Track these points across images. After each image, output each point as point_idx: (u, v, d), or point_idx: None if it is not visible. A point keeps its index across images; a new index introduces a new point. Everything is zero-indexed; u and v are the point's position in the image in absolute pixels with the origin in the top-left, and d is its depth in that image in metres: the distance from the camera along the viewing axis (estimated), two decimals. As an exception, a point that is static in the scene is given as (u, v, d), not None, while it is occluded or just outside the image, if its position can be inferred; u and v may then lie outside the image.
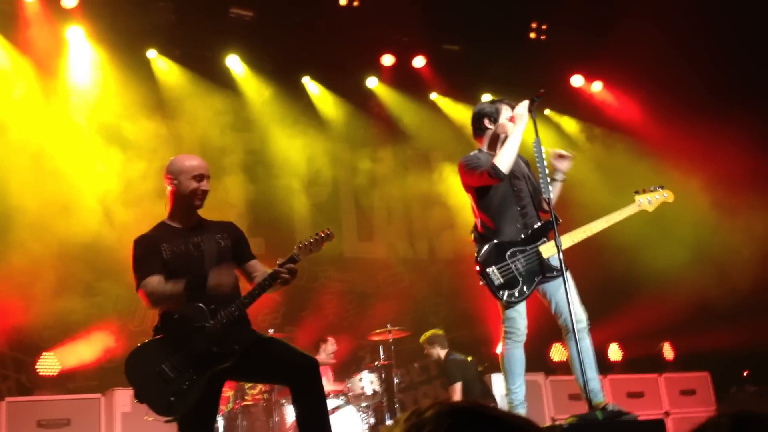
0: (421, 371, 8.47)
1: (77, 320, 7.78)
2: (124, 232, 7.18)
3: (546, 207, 4.71)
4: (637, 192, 4.94)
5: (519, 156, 4.85)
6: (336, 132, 10.12)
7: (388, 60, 10.16)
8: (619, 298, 9.16)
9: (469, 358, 7.80)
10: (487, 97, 9.37)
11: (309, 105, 10.05)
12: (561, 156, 4.85)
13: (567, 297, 4.47)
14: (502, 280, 4.64)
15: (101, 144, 8.35)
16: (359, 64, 10.12)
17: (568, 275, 4.58)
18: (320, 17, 9.23)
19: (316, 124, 9.95)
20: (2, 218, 7.64)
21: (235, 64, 9.54)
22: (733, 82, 9.41)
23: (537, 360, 7.74)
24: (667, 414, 8.17)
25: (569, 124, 11.24)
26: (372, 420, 7.10)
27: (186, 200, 4.08)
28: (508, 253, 4.69)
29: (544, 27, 10.17)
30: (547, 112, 11.03)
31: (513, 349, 4.72)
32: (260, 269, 4.18)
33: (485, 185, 4.76)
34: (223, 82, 9.39)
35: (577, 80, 10.98)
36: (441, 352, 7.71)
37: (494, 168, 4.61)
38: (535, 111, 4.77)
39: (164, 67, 9.13)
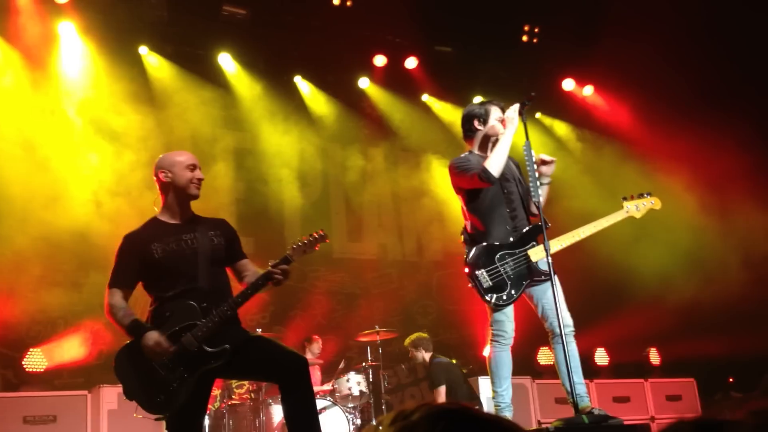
0: (408, 373, 8.47)
1: (65, 316, 7.75)
2: (113, 224, 7.19)
3: (535, 210, 4.72)
4: (625, 198, 4.96)
5: (510, 158, 4.86)
6: (327, 132, 10.11)
7: (380, 60, 10.17)
8: (606, 304, 9.19)
9: (454, 361, 7.81)
10: (478, 100, 9.39)
11: (300, 104, 10.04)
12: (544, 162, 4.85)
13: (555, 301, 4.48)
14: (490, 283, 4.65)
15: (90, 136, 8.35)
16: (351, 64, 10.12)
17: (555, 280, 4.60)
18: (313, 17, 9.23)
19: (307, 123, 9.95)
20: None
21: (227, 62, 9.52)
22: (721, 87, 9.46)
23: (524, 363, 7.76)
24: (652, 419, 8.20)
25: (560, 128, 11.28)
26: (358, 421, 7.09)
27: (183, 191, 4.05)
28: (498, 255, 4.69)
29: (536, 30, 10.19)
30: (538, 115, 11.07)
31: (500, 352, 4.73)
32: (251, 268, 4.16)
33: (475, 188, 4.77)
34: (214, 80, 9.38)
35: (568, 84, 11.01)
36: (426, 355, 7.71)
37: (485, 172, 4.63)
38: (525, 114, 4.78)
39: (156, 64, 9.11)
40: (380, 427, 1.23)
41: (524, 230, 4.77)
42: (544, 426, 4.59)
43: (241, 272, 4.17)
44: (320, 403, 6.74)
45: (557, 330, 4.51)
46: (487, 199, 4.79)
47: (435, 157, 10.34)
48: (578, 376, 4.61)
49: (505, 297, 4.65)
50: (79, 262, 7.78)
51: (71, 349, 7.70)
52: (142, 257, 3.96)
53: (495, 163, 4.65)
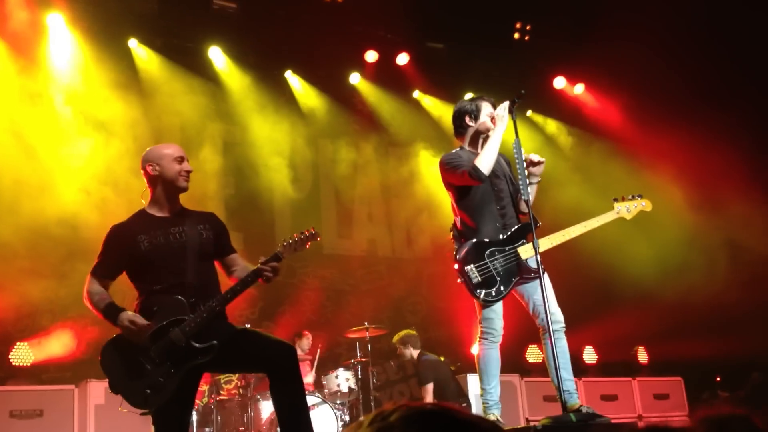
0: (397, 369, 8.47)
1: (52, 309, 7.70)
2: (101, 214, 7.16)
3: (525, 208, 4.72)
4: (616, 200, 4.97)
5: (501, 155, 4.87)
6: (317, 127, 10.09)
7: (371, 56, 10.14)
8: (595, 302, 9.21)
9: (442, 358, 7.81)
10: (469, 96, 9.37)
11: (291, 99, 10.02)
12: (533, 163, 4.85)
13: (544, 298, 4.49)
14: (480, 279, 4.65)
15: (77, 127, 8.29)
16: (342, 59, 10.10)
17: (545, 277, 4.60)
18: (304, 12, 9.19)
19: (297, 118, 9.92)
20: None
21: (217, 56, 9.48)
22: (711, 85, 9.50)
23: (512, 361, 7.77)
24: (640, 417, 8.23)
25: (551, 126, 11.29)
26: (347, 417, 7.09)
27: (171, 184, 4.03)
28: (487, 252, 4.69)
29: (528, 28, 10.19)
30: (529, 113, 11.07)
31: (489, 349, 4.73)
32: (240, 263, 4.15)
33: (466, 184, 4.77)
34: (204, 73, 9.34)
35: (559, 82, 11.02)
36: (414, 353, 7.72)
37: (475, 169, 4.63)
38: (515, 112, 4.78)
39: (145, 57, 9.06)
40: (361, 427, 1.21)
41: (514, 227, 4.77)
42: (532, 424, 4.59)
43: (230, 267, 4.16)
44: (309, 400, 6.72)
45: (547, 327, 4.51)
46: (477, 196, 4.79)
47: (425, 153, 10.33)
48: (568, 373, 4.62)
49: (494, 293, 4.65)
50: (67, 253, 7.72)
51: (58, 343, 7.66)
52: (129, 249, 3.93)
53: (485, 160, 4.65)
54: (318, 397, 6.96)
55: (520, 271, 4.69)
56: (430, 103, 10.75)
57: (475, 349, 8.43)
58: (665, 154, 9.65)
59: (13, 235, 7.45)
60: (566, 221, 4.90)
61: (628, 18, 9.12)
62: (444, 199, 8.86)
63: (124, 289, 4.14)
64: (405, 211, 10.45)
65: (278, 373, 3.89)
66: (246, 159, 9.45)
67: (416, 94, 10.76)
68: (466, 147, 4.96)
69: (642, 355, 9.61)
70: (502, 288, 4.66)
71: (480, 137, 4.89)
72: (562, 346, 4.64)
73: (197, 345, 3.82)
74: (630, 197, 4.97)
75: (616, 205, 4.94)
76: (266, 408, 6.83)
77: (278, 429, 3.96)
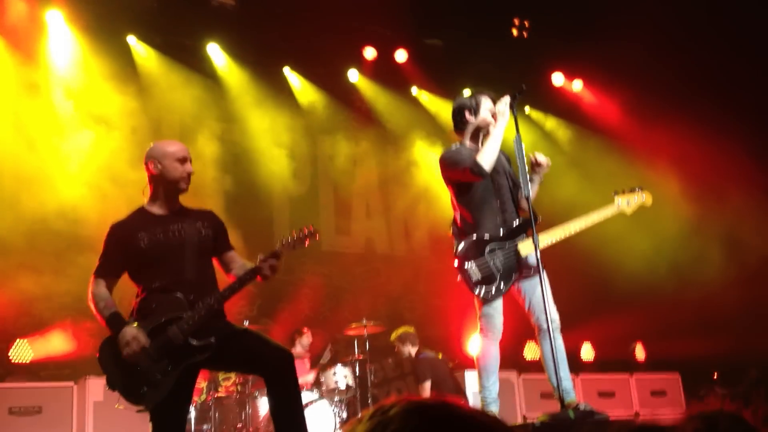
0: (394, 367, 8.47)
1: (52, 307, 7.69)
2: (101, 207, 7.16)
3: (525, 204, 4.71)
4: (616, 193, 4.94)
5: (501, 152, 4.83)
6: (316, 124, 10.09)
7: (369, 53, 10.13)
8: (593, 299, 9.22)
9: (440, 356, 7.81)
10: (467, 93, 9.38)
11: (289, 96, 10.00)
12: (538, 164, 4.83)
13: (543, 296, 4.48)
14: (479, 276, 4.64)
15: (76, 120, 8.27)
16: (341, 56, 10.08)
17: (544, 274, 4.59)
18: (302, 8, 9.17)
19: (295, 114, 9.91)
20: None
21: (215, 52, 9.47)
22: (710, 81, 9.49)
23: (510, 358, 7.78)
24: (637, 414, 8.24)
25: (549, 122, 11.28)
26: (345, 414, 7.09)
27: (171, 184, 4.02)
28: (487, 249, 4.68)
29: (526, 24, 10.18)
30: (527, 109, 11.07)
31: (488, 346, 4.72)
32: (239, 261, 4.15)
33: (466, 181, 4.76)
34: (202, 70, 9.32)
35: (557, 78, 11.01)
36: (412, 350, 7.71)
37: (477, 165, 4.60)
38: (516, 107, 4.76)
39: (144, 53, 9.05)
40: (361, 422, 1.22)
41: (514, 224, 4.75)
42: (529, 421, 4.59)
43: (229, 264, 4.16)
44: (307, 396, 6.73)
45: (544, 325, 4.50)
46: (477, 192, 4.77)
47: (424, 149, 10.33)
48: (565, 371, 4.61)
49: (494, 290, 4.64)
50: (66, 247, 7.71)
51: (57, 340, 7.66)
52: (128, 247, 3.93)
53: (487, 156, 4.63)
54: (316, 393, 6.96)
55: (519, 268, 4.68)
56: (429, 99, 10.74)
57: (472, 346, 8.45)
58: (664, 149, 9.65)
59: (10, 230, 7.44)
60: (563, 218, 4.88)
61: (626, 13, 9.12)
62: (442, 195, 8.88)
63: (121, 287, 4.13)
64: (403, 208, 10.44)
65: (275, 379, 3.90)
66: (244, 155, 9.45)
67: (414, 90, 10.75)
68: (466, 142, 4.93)
69: (639, 352, 9.62)
70: (502, 285, 4.65)
71: (480, 133, 4.87)
72: (558, 344, 4.63)
73: (195, 342, 3.82)
74: (630, 190, 4.95)
75: (616, 198, 4.91)
76: (264, 405, 6.83)
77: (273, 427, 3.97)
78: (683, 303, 9.41)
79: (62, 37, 8.47)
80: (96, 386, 6.59)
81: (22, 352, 7.43)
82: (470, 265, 4.65)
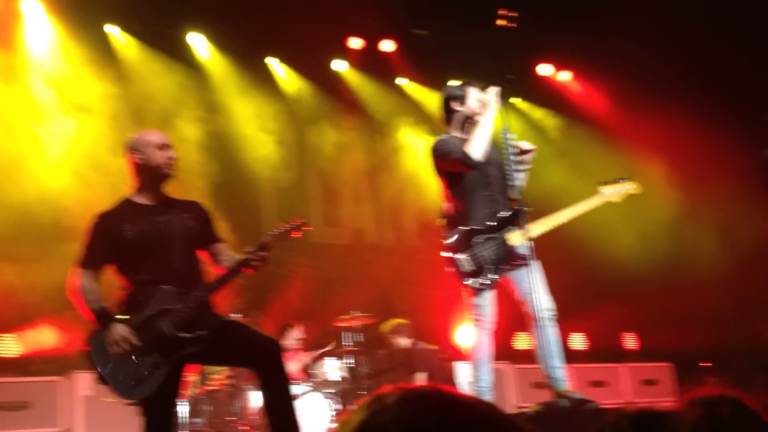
0: (386, 358, 8.46)
1: (36, 300, 7.60)
2: (83, 194, 7.08)
3: (515, 195, 4.70)
4: (602, 183, 4.96)
5: (490, 142, 4.83)
6: (302, 115, 10.02)
7: (356, 43, 10.08)
8: (585, 288, 9.22)
9: (434, 347, 7.80)
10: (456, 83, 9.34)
11: (274, 86, 9.92)
12: (524, 151, 4.83)
13: (533, 286, 4.47)
14: (470, 267, 4.63)
15: (56, 108, 8.18)
16: (327, 46, 10.00)
17: (536, 264, 4.59)
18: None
19: (281, 106, 9.84)
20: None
21: (199, 42, 9.38)
22: (699, 73, 9.49)
23: (502, 348, 7.76)
24: (628, 403, 8.26)
25: (537, 113, 11.27)
26: (338, 406, 7.07)
27: (156, 172, 3.96)
28: (478, 239, 4.67)
29: (514, 15, 10.14)
30: (515, 100, 11.05)
31: (481, 336, 4.71)
32: (228, 253, 4.10)
33: (457, 171, 4.73)
34: (186, 59, 9.23)
35: (545, 69, 11.00)
36: (405, 342, 7.70)
37: (467, 156, 4.61)
38: (504, 97, 4.75)
39: (125, 43, 8.95)
40: (357, 411, 1.20)
41: (504, 214, 4.75)
42: (522, 411, 4.60)
43: (217, 256, 4.10)
44: (298, 389, 6.71)
45: (537, 314, 4.50)
46: (467, 183, 4.77)
47: (412, 140, 10.29)
48: (558, 360, 4.61)
49: (485, 281, 4.63)
50: (49, 236, 7.61)
51: (45, 334, 7.58)
52: (114, 238, 3.87)
53: (476, 146, 4.63)
54: (309, 385, 6.94)
55: (510, 258, 4.67)
56: (416, 89, 10.70)
57: (460, 337, 8.44)
58: (652, 139, 9.66)
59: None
60: (554, 207, 4.88)
61: (615, 4, 9.11)
62: (430, 185, 8.86)
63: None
64: (391, 198, 10.41)
65: (263, 369, 3.86)
66: (229, 145, 9.37)
67: (401, 80, 10.71)
68: (455, 133, 4.93)
69: (631, 341, 9.64)
70: (493, 276, 4.65)
71: (468, 123, 4.87)
72: (552, 332, 4.64)
73: (186, 335, 3.78)
74: (617, 180, 4.97)
75: (603, 188, 4.93)
76: (255, 398, 6.80)
77: (264, 418, 3.95)
78: (674, 293, 9.43)
79: (41, 25, 8.37)
80: (84, 380, 6.52)
81: (8, 346, 7.35)
82: (460, 256, 4.64)
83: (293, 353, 7.71)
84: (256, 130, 9.45)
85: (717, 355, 9.23)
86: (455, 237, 4.69)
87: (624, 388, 8.47)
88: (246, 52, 9.57)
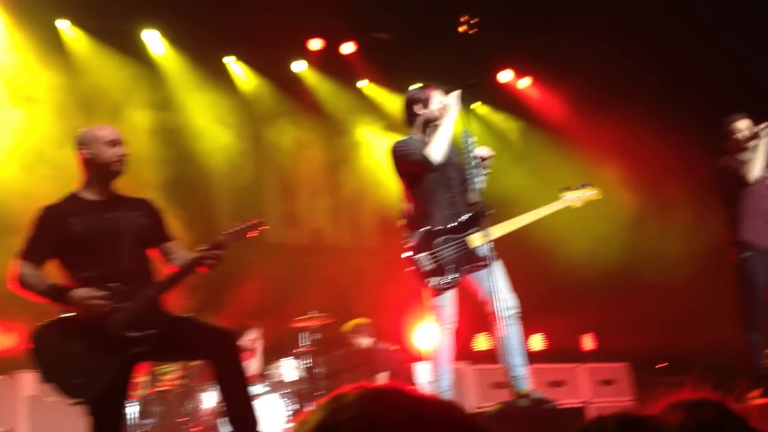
0: (343, 359, 8.40)
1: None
2: (29, 187, 6.89)
3: (475, 197, 4.71)
4: (564, 188, 5.03)
5: (450, 144, 4.87)
6: (260, 113, 9.92)
7: (316, 44, 10.02)
8: (545, 290, 9.28)
9: (395, 347, 7.78)
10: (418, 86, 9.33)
11: (232, 85, 9.80)
12: (483, 158, 4.84)
13: (495, 286, 4.47)
14: (430, 268, 4.65)
15: (3, 99, 7.97)
16: (286, 46, 9.94)
17: (497, 264, 4.61)
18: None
19: (239, 105, 9.72)
20: None
21: (154, 39, 9.21)
22: (656, 80, 9.63)
23: (462, 348, 7.75)
24: (586, 403, 8.31)
25: (496, 118, 11.35)
26: (294, 407, 7.00)
27: (105, 169, 3.87)
28: (438, 240, 4.70)
29: (474, 21, 10.19)
30: (475, 105, 11.09)
31: (441, 336, 4.71)
32: (179, 252, 4.04)
33: (417, 172, 4.75)
34: (140, 56, 9.06)
35: (505, 75, 11.07)
36: (366, 342, 7.67)
37: (427, 158, 4.66)
38: (465, 101, 4.78)
39: (76, 37, 8.75)
40: (316, 410, 1.19)
41: (465, 215, 4.77)
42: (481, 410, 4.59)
43: (168, 255, 4.04)
44: (255, 389, 6.62)
45: (500, 314, 4.50)
46: (428, 184, 4.81)
47: (370, 140, 10.26)
48: (521, 359, 4.62)
49: (445, 281, 4.66)
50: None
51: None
52: (60, 232, 3.77)
53: (437, 149, 4.69)
54: (265, 386, 6.85)
55: (471, 259, 4.70)
56: (376, 92, 10.67)
57: (418, 338, 8.42)
58: (611, 146, 9.78)
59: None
60: (511, 213, 4.92)
61: (573, 11, 9.21)
62: (389, 186, 8.82)
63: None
64: (350, 198, 10.36)
65: (219, 360, 3.79)
66: (184, 143, 9.22)
67: (361, 83, 10.68)
68: (417, 135, 4.97)
69: (589, 342, 9.73)
70: (453, 276, 4.67)
71: (430, 125, 4.92)
72: (515, 331, 4.67)
73: (134, 334, 3.68)
74: (579, 186, 5.05)
75: (563, 193, 5.01)
76: (208, 398, 6.69)
77: (220, 419, 3.88)
78: (632, 295, 9.56)
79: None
80: (28, 380, 6.31)
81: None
82: (421, 257, 4.65)
83: (249, 353, 7.62)
84: (211, 128, 9.30)
85: (673, 357, 9.36)
86: (416, 237, 4.70)
87: (582, 388, 8.52)
88: (203, 50, 9.44)
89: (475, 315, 4.92)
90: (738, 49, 8.89)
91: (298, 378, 7.16)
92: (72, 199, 3.92)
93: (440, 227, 4.71)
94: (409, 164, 4.74)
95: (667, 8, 8.97)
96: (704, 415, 1.55)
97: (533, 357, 9.05)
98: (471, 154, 4.69)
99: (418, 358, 7.84)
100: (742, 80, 8.93)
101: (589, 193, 5.06)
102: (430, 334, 4.80)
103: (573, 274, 9.63)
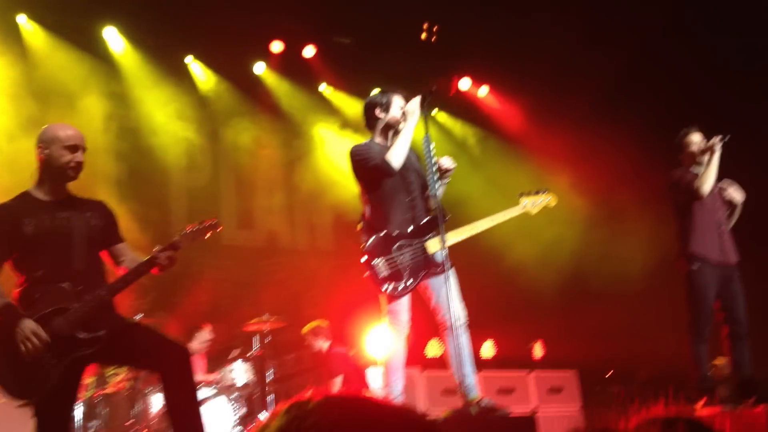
0: (295, 363, 8.36)
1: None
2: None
3: (433, 202, 4.73)
4: (522, 194, 5.08)
5: (410, 150, 4.91)
6: (218, 115, 9.82)
7: (277, 47, 9.97)
8: (495, 297, 9.35)
9: (352, 351, 7.77)
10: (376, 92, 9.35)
11: (191, 85, 9.69)
12: (447, 170, 4.87)
13: (449, 293, 4.49)
14: (387, 273, 4.64)
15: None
16: (247, 48, 9.87)
17: (451, 272, 4.62)
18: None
19: (197, 105, 9.61)
20: None
21: (113, 36, 9.06)
22: (610, 90, 9.78)
23: (413, 354, 7.76)
24: (535, 410, 8.39)
25: (455, 126, 11.43)
26: (243, 411, 6.93)
27: (57, 171, 3.82)
28: (395, 245, 4.69)
29: (435, 29, 10.25)
30: (434, 111, 11.16)
31: (395, 342, 4.71)
32: (129, 254, 4.01)
33: (376, 176, 4.74)
34: (99, 54, 8.91)
35: (464, 83, 11.16)
36: (324, 344, 7.65)
37: (386, 162, 4.66)
38: (426, 107, 4.81)
39: (32, 31, 8.55)
40: (276, 417, 1.18)
41: (423, 221, 4.78)
42: (432, 417, 4.59)
43: (118, 257, 4.00)
44: (204, 393, 6.55)
45: (450, 322, 4.52)
46: (387, 188, 4.81)
47: (330, 144, 10.23)
48: (469, 368, 4.64)
49: (401, 287, 4.65)
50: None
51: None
52: (12, 232, 3.71)
53: (397, 154, 4.70)
54: (213, 390, 6.77)
55: (427, 265, 4.71)
56: (335, 95, 10.66)
57: (370, 343, 8.42)
58: (564, 155, 9.91)
59: None
60: (468, 219, 4.95)
61: (532, 22, 9.33)
62: (347, 190, 8.81)
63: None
64: (307, 202, 10.31)
65: (170, 375, 3.74)
66: (141, 141, 9.07)
67: (322, 86, 10.65)
68: (377, 139, 4.98)
69: (538, 350, 9.83)
70: (409, 282, 4.67)
71: (390, 130, 4.94)
72: (463, 341, 4.68)
73: (83, 335, 3.63)
74: (535, 192, 5.10)
75: (521, 199, 5.06)
76: (156, 402, 6.59)
77: (168, 425, 3.81)
78: (581, 304, 9.69)
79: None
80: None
81: None
82: (378, 261, 4.64)
83: (200, 356, 7.54)
84: (168, 127, 9.18)
85: (620, 366, 9.51)
86: (373, 241, 4.69)
87: (531, 395, 8.61)
88: (163, 48, 9.31)
89: (428, 321, 4.93)
90: (688, 60, 9.09)
91: (248, 382, 7.09)
92: (24, 198, 3.86)
93: (398, 232, 4.71)
94: (369, 169, 4.74)
95: (621, 21, 9.13)
96: (678, 431, 1.58)
97: (483, 364, 9.19)
98: (431, 160, 4.71)
99: (373, 362, 7.84)
100: (692, 92, 9.13)
101: (546, 199, 5.11)
102: (383, 339, 4.79)
103: (524, 281, 9.72)
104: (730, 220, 6.00)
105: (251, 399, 7.21)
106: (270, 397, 7.19)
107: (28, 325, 3.54)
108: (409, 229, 4.74)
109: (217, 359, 7.65)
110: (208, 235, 3.97)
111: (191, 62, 9.76)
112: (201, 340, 7.64)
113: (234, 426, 6.61)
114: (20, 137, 4.01)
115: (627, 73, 9.57)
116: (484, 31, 9.79)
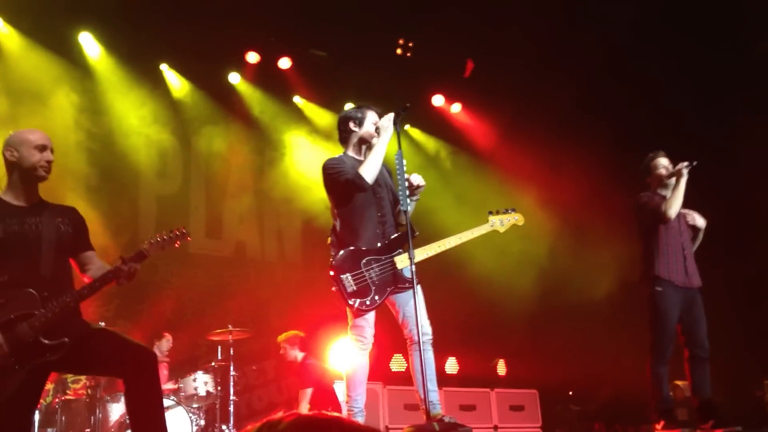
0: (257, 374, 8.31)
1: None
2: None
3: (403, 218, 4.75)
4: (490, 213, 5.11)
5: (383, 165, 4.91)
6: (191, 124, 9.79)
7: (252, 57, 9.97)
8: (460, 315, 9.40)
9: (324, 364, 7.79)
10: (350, 106, 9.39)
11: (165, 93, 9.65)
12: (417, 186, 4.90)
13: (416, 310, 4.51)
14: (355, 288, 4.63)
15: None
16: (222, 58, 9.88)
17: (418, 288, 4.63)
18: (187, 7, 8.85)
19: (170, 113, 9.56)
20: None
21: (88, 42, 9.00)
22: (578, 110, 9.90)
23: (376, 369, 7.78)
24: (496, 428, 8.45)
25: (427, 142, 11.49)
26: (202, 422, 6.87)
27: (28, 173, 3.81)
28: (364, 260, 4.68)
29: (410, 45, 10.33)
30: (407, 127, 11.23)
31: (358, 356, 4.70)
32: (96, 262, 3.98)
33: (347, 191, 4.75)
34: (73, 60, 8.85)
35: (437, 100, 11.24)
36: (299, 355, 7.65)
37: (359, 177, 4.67)
38: (399, 124, 4.83)
39: (8, 33, 8.46)
40: None
41: (392, 236, 4.79)
42: (394, 432, 4.61)
43: (85, 264, 3.98)
44: (164, 403, 6.47)
45: (416, 338, 4.54)
46: (358, 203, 4.80)
47: (302, 156, 10.23)
48: (432, 384, 4.65)
49: (368, 302, 4.63)
50: None
51: None
52: None
53: (369, 169, 4.71)
54: (172, 400, 6.70)
55: (395, 281, 4.71)
56: (309, 107, 10.67)
57: (334, 357, 8.41)
58: (533, 173, 10.01)
59: None
60: (438, 236, 4.97)
61: (503, 41, 9.44)
62: (317, 202, 8.82)
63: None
64: (276, 214, 10.29)
65: (135, 379, 3.72)
66: (112, 148, 8.99)
67: (296, 99, 10.66)
68: (350, 153, 4.99)
69: (501, 368, 9.89)
70: (376, 297, 4.66)
71: (363, 145, 4.96)
72: (428, 357, 4.69)
73: (47, 341, 3.59)
74: (504, 210, 5.13)
75: (490, 218, 5.08)
76: (115, 410, 6.52)
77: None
78: (544, 323, 9.77)
79: None
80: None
81: None
82: (346, 277, 4.63)
83: (161, 365, 7.47)
84: (140, 134, 9.12)
85: (580, 386, 9.60)
86: (342, 256, 4.68)
87: (493, 412, 8.66)
88: (138, 56, 9.26)
89: (393, 335, 4.94)
90: (652, 83, 9.25)
91: (209, 392, 7.03)
92: None
93: (367, 247, 4.71)
94: (342, 183, 4.74)
95: (588, 43, 9.27)
96: None
97: (446, 380, 9.23)
98: (403, 176, 4.72)
99: (339, 376, 7.84)
100: (655, 114, 9.31)
101: (514, 218, 5.14)
102: (348, 353, 4.79)
103: (487, 299, 9.79)
104: (694, 244, 6.09)
105: (212, 410, 7.16)
106: (231, 408, 7.14)
107: None
108: (378, 245, 4.74)
109: (180, 369, 7.59)
110: (177, 244, 3.96)
111: (166, 70, 9.71)
112: (161, 349, 7.57)
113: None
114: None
115: (589, 92, 9.72)
116: (457, 48, 9.90)
